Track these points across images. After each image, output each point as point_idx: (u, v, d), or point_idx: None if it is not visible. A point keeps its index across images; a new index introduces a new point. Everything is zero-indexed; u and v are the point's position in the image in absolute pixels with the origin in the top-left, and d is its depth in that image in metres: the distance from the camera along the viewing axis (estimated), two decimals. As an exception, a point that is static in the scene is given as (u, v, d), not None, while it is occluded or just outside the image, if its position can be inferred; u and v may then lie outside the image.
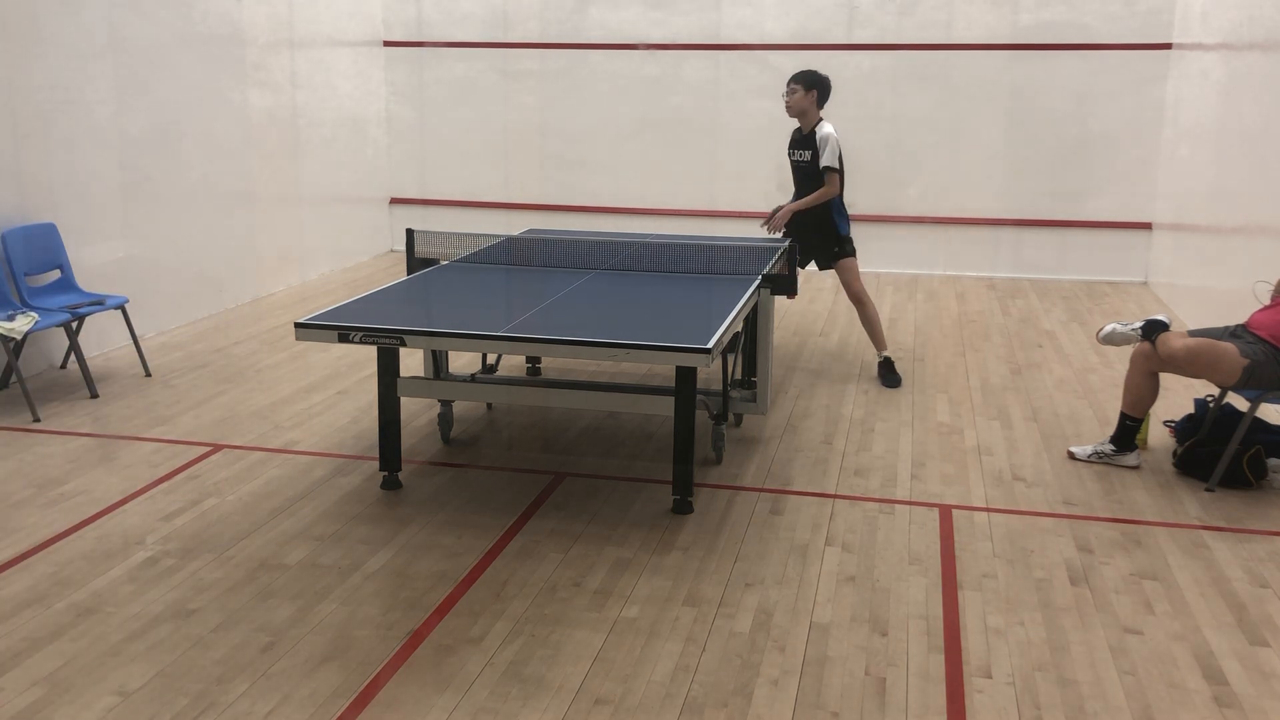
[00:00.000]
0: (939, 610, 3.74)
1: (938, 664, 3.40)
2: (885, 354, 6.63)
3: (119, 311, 6.54)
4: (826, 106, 6.66)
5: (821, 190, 6.51)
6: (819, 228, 6.61)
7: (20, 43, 6.31)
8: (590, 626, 3.59)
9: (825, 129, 6.52)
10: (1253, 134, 6.95)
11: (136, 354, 6.59)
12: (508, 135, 10.67)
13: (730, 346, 5.13)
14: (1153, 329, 4.99)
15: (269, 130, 8.82)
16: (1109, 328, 5.19)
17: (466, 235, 6.29)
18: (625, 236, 7.03)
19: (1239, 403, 5.14)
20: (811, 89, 6.59)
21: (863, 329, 6.82)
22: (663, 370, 6.36)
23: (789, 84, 6.64)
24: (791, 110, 6.64)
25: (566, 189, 10.61)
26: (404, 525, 4.38)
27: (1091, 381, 6.52)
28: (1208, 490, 4.81)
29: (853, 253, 6.70)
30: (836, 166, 6.48)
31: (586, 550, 4.16)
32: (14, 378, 5.89)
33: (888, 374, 6.51)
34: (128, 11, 7.15)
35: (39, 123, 6.46)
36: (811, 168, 6.54)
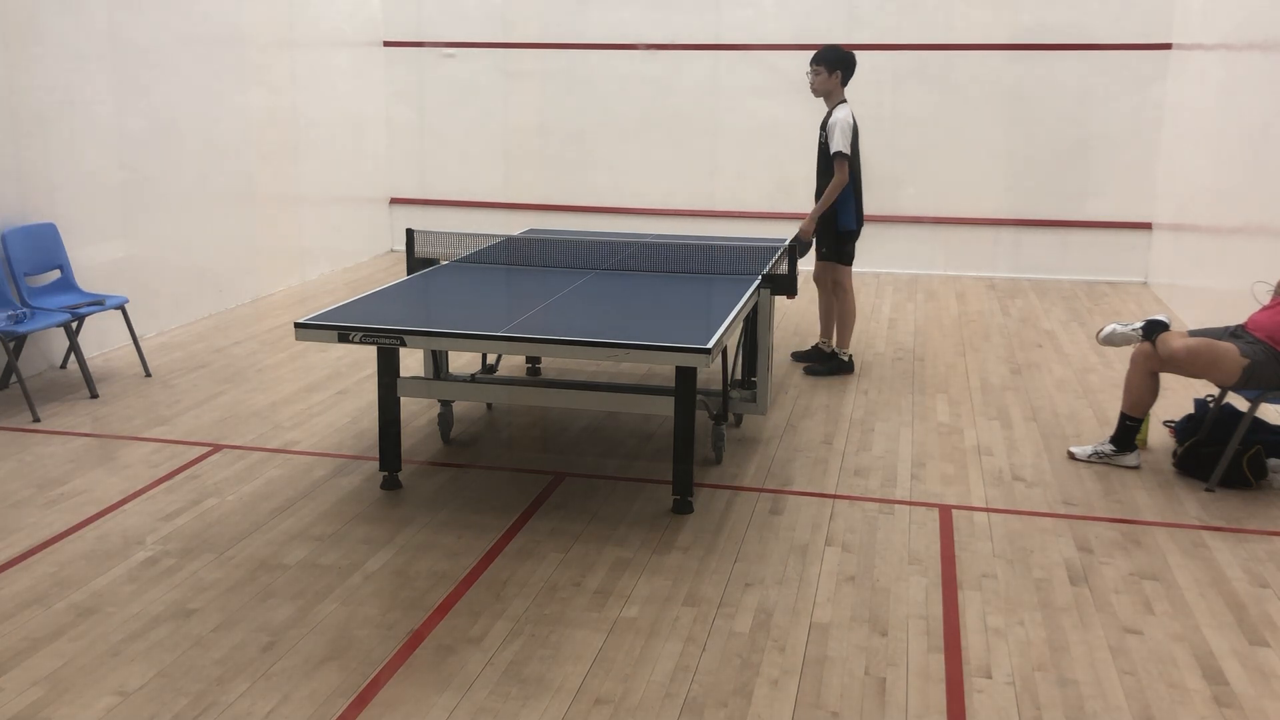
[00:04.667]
0: (939, 610, 3.74)
1: (938, 664, 3.40)
2: (831, 347, 6.72)
3: (119, 311, 6.54)
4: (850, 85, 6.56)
5: (834, 181, 6.38)
6: (827, 216, 6.54)
7: (20, 43, 6.31)
8: (590, 626, 3.59)
9: (839, 112, 6.37)
10: (1253, 134, 6.95)
11: (136, 354, 6.59)
12: (508, 135, 10.67)
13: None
14: (1153, 329, 4.99)
15: (269, 130, 8.82)
16: (1109, 328, 5.18)
17: (466, 235, 6.29)
18: (625, 236, 7.03)
19: (1239, 403, 5.14)
20: (840, 72, 6.44)
21: (850, 324, 6.75)
22: (663, 370, 6.36)
23: (811, 65, 6.47)
24: (816, 92, 6.51)
25: (566, 189, 10.61)
26: (404, 525, 4.38)
27: (1091, 381, 6.52)
28: (1208, 490, 4.81)
29: (847, 260, 6.64)
30: (846, 152, 6.32)
31: (586, 550, 4.16)
32: (14, 378, 5.89)
33: (819, 360, 6.62)
34: (128, 11, 7.15)
35: (39, 123, 6.46)
36: (824, 151, 6.47)
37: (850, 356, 6.69)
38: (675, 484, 4.53)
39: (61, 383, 6.33)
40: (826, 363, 6.64)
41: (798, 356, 6.88)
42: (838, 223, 6.55)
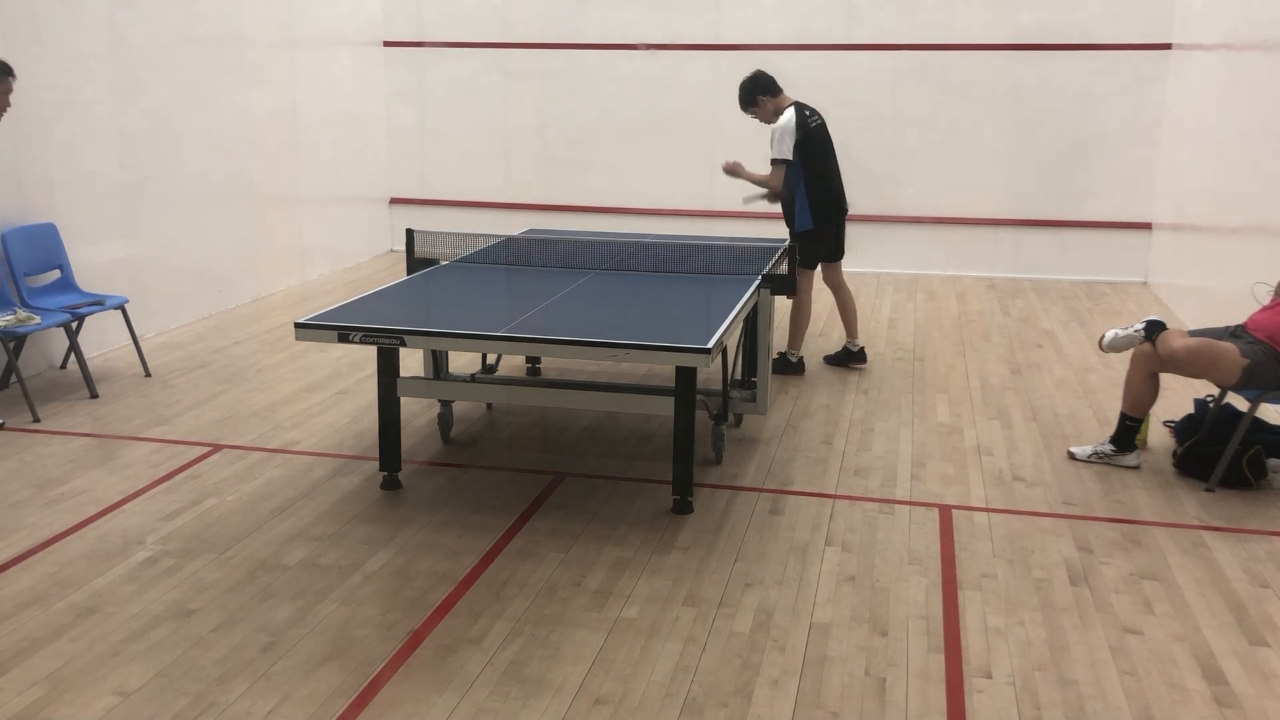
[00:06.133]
0: (939, 610, 3.74)
1: (938, 664, 3.40)
2: (858, 345, 6.79)
3: (119, 311, 6.54)
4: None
5: (764, 176, 6.57)
6: (786, 219, 6.68)
7: (20, 43, 6.31)
8: (590, 626, 3.59)
9: (779, 120, 6.53)
10: (1253, 134, 6.95)
11: (136, 354, 6.59)
12: (508, 135, 10.67)
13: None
14: (1153, 329, 4.99)
15: (269, 130, 8.82)
16: (1110, 334, 5.16)
17: (466, 235, 6.29)
18: (625, 236, 7.03)
19: (1239, 403, 5.14)
20: (763, 97, 6.58)
21: (802, 327, 6.73)
22: (663, 370, 6.36)
23: (746, 113, 6.68)
24: (768, 121, 6.63)
25: (566, 189, 10.61)
26: (404, 525, 4.38)
27: (1091, 381, 6.52)
28: (1208, 490, 4.81)
29: (808, 263, 6.60)
30: (782, 158, 6.46)
31: (586, 550, 4.16)
32: (14, 378, 5.89)
33: (784, 366, 6.61)
34: (128, 11, 7.15)
35: (39, 123, 6.45)
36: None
37: (800, 359, 6.67)
38: (675, 484, 4.53)
39: (61, 383, 6.33)
40: (786, 367, 6.62)
41: (828, 360, 6.85)
42: (795, 225, 6.61)
